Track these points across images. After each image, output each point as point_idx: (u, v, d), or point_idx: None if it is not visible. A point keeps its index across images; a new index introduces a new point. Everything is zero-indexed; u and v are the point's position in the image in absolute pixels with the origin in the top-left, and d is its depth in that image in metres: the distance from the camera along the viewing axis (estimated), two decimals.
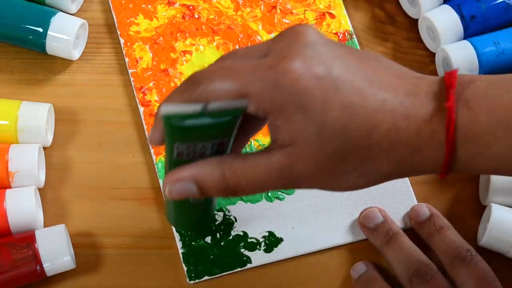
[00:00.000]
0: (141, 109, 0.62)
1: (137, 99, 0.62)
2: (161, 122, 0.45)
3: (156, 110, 0.50)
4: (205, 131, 0.44)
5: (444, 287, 0.54)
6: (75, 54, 0.63)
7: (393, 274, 0.57)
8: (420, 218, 0.58)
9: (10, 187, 0.58)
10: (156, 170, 0.61)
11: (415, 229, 0.59)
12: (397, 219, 0.59)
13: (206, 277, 0.58)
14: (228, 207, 0.59)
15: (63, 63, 0.64)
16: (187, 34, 0.64)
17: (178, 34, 0.64)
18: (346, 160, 0.44)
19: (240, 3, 0.65)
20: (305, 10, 0.65)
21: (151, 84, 0.63)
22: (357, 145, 0.43)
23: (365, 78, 0.43)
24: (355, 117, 0.43)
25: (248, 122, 0.47)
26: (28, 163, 0.58)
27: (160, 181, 0.60)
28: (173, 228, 0.59)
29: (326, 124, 0.43)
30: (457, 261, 0.55)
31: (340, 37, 0.64)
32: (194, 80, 0.45)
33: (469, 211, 0.61)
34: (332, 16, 0.65)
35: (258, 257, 0.58)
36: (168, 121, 0.44)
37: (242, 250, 0.58)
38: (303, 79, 0.42)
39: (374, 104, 0.43)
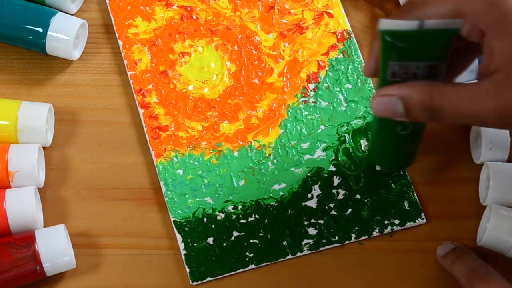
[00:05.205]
0: (141, 111, 0.62)
1: (136, 102, 0.62)
2: (376, 48, 0.49)
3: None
4: (419, 49, 0.47)
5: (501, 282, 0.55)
6: (75, 54, 0.63)
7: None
8: (444, 252, 0.59)
9: (10, 187, 0.58)
10: (157, 171, 0.61)
11: (440, 262, 0.59)
12: None
13: (208, 278, 0.58)
14: None
15: (63, 63, 0.64)
16: (185, 36, 0.64)
17: (176, 36, 0.64)
18: None
19: (238, 3, 0.65)
20: (303, 10, 0.65)
21: (150, 86, 0.63)
22: None
23: None
24: None
25: (460, 54, 0.50)
26: (28, 163, 0.58)
27: (161, 183, 0.60)
28: (174, 229, 0.59)
29: None
30: (475, 280, 0.55)
31: (339, 37, 0.64)
32: (410, 3, 0.48)
33: (469, 211, 0.61)
34: (330, 15, 0.65)
35: None
36: (385, 35, 0.47)
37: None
38: None
39: None
